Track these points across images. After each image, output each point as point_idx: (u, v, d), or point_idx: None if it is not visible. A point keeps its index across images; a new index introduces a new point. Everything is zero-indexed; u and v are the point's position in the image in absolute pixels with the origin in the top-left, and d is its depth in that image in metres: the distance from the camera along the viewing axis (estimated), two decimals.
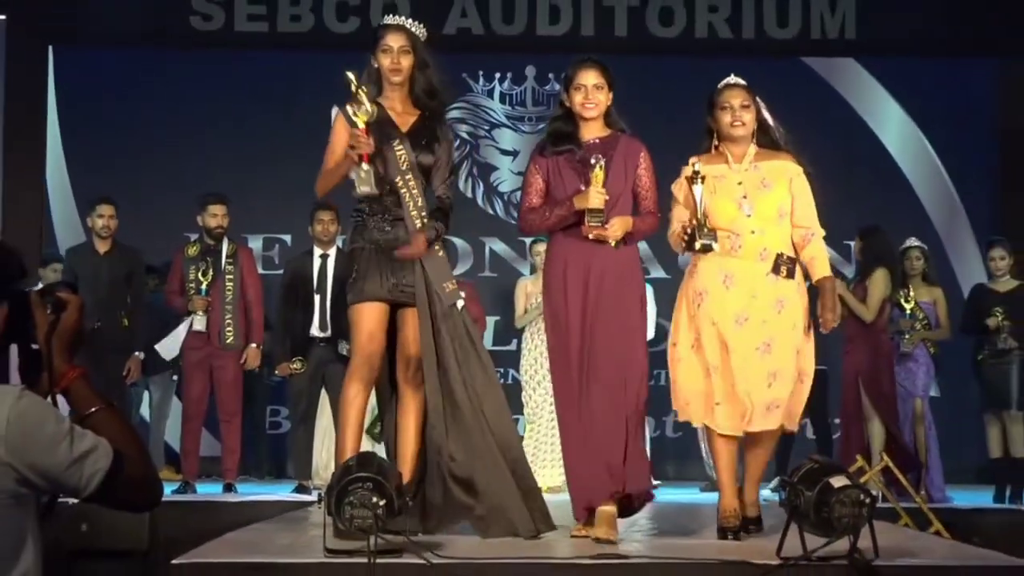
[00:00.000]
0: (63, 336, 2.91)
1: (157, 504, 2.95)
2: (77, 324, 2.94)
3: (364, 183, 5.72)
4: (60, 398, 2.92)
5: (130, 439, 2.89)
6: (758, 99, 6.03)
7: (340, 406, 5.87)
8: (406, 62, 5.90)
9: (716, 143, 6.04)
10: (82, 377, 2.93)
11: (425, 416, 5.89)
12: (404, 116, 5.92)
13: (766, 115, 6.04)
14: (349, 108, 5.74)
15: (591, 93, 5.97)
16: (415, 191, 5.82)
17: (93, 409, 2.90)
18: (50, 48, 12.76)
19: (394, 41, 5.91)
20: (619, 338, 5.78)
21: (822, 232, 5.99)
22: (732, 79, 6.08)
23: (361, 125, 5.68)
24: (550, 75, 12.87)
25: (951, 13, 12.78)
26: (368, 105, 5.69)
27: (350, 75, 5.75)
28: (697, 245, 5.75)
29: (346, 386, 5.81)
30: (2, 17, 12.62)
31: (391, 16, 6.09)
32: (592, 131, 6.01)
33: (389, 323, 5.87)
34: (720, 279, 5.82)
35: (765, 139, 6.00)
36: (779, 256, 5.82)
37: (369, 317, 5.79)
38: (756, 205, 5.83)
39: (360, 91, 5.71)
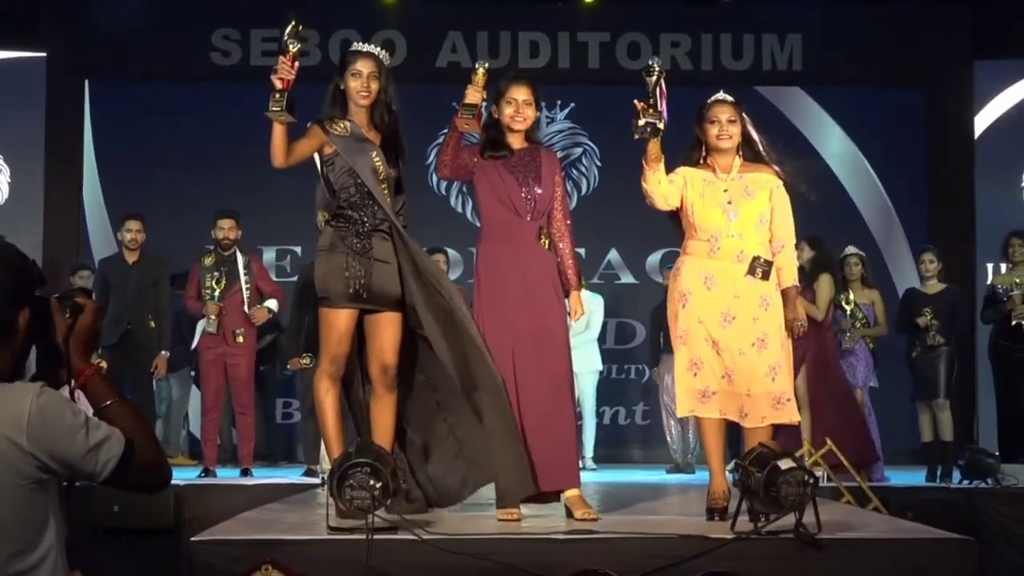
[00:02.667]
0: (80, 336, 2.92)
1: (166, 486, 2.93)
2: (93, 326, 2.93)
3: (276, 104, 5.56)
4: (79, 393, 2.91)
5: (141, 428, 2.88)
6: (744, 114, 5.91)
7: (316, 404, 5.67)
8: (374, 86, 5.74)
9: (704, 154, 5.92)
10: (98, 373, 2.93)
11: (398, 413, 5.71)
12: (371, 135, 5.76)
13: (751, 129, 5.91)
14: (285, 36, 5.57)
15: (521, 107, 5.84)
16: (388, 200, 5.63)
17: (108, 402, 2.91)
18: (86, 82, 12.75)
19: (364, 67, 5.77)
20: (553, 333, 5.64)
21: (793, 242, 5.88)
22: (721, 95, 5.93)
23: (290, 52, 5.54)
24: None
25: (886, 48, 12.82)
26: (300, 45, 5.59)
27: (293, 19, 5.62)
28: (641, 122, 5.54)
29: (317, 385, 5.62)
30: (44, 55, 12.64)
31: (360, 44, 5.96)
32: (517, 142, 5.86)
33: (358, 329, 5.67)
34: (701, 280, 5.68)
35: (750, 152, 5.87)
36: (755, 259, 5.67)
37: (340, 321, 5.58)
38: (739, 211, 5.71)
39: (299, 27, 5.59)
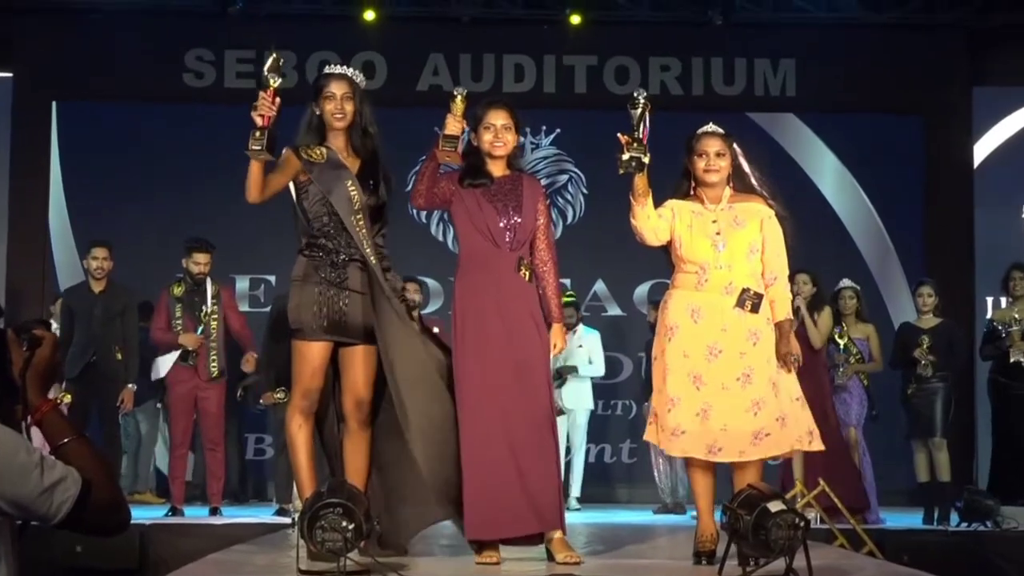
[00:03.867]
0: (37, 370, 2.88)
1: (124, 528, 2.89)
2: (51, 359, 2.89)
3: (256, 143, 5.52)
4: (34, 429, 2.87)
5: (99, 467, 2.84)
6: (735, 146, 5.90)
7: (288, 441, 5.64)
8: (349, 107, 5.72)
9: (692, 186, 5.90)
10: (54, 409, 2.89)
11: (373, 449, 5.66)
12: (349, 160, 5.72)
13: (742, 161, 5.90)
14: (265, 70, 5.54)
15: (500, 133, 5.79)
16: (364, 231, 5.59)
17: (65, 440, 2.86)
18: (53, 103, 12.72)
19: (337, 88, 5.74)
20: (534, 368, 5.59)
21: (786, 274, 5.87)
22: (710, 127, 5.92)
23: (271, 87, 5.49)
24: None
25: (882, 74, 12.87)
26: (280, 80, 5.53)
27: (273, 52, 5.60)
28: (625, 156, 5.53)
29: (289, 421, 5.59)
30: (9, 75, 12.65)
31: (332, 66, 5.92)
32: (498, 169, 5.80)
33: (332, 363, 5.66)
34: (688, 313, 5.66)
35: (740, 183, 5.86)
36: (744, 291, 5.65)
37: (314, 354, 5.57)
38: (728, 241, 5.69)
39: (280, 61, 5.57)
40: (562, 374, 11.13)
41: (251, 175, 5.63)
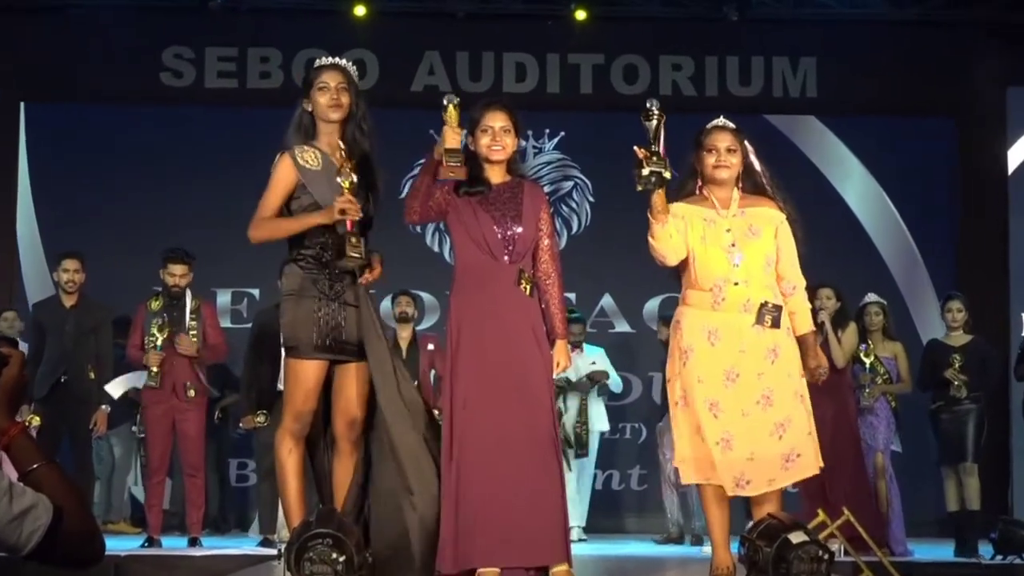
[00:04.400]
0: (4, 391, 2.86)
1: (99, 560, 2.88)
2: (18, 380, 2.88)
3: (355, 250, 5.40)
4: (1, 454, 2.86)
5: (71, 494, 2.83)
6: (746, 143, 5.90)
7: (277, 466, 5.56)
8: (345, 99, 5.67)
9: (699, 185, 5.89)
10: (23, 433, 2.87)
11: (365, 470, 5.61)
12: (342, 160, 5.64)
13: (753, 159, 5.91)
14: (338, 175, 5.48)
15: (498, 136, 5.75)
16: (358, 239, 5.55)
17: (35, 465, 2.85)
18: (21, 104, 12.72)
19: (332, 79, 5.68)
20: (536, 387, 5.57)
21: (803, 283, 5.87)
22: (720, 120, 5.93)
23: (346, 187, 5.43)
24: None
25: (911, 73, 12.84)
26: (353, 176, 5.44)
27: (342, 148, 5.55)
28: (645, 171, 5.51)
29: (278, 444, 5.53)
30: None
31: (324, 58, 5.84)
32: (496, 175, 5.78)
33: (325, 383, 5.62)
34: (704, 335, 5.65)
35: (749, 183, 5.86)
36: (763, 305, 5.64)
37: (309, 375, 5.50)
38: (744, 254, 5.69)
39: (349, 168, 5.47)
40: (595, 379, 11.07)
41: (286, 228, 5.62)
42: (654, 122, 5.53)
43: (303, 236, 5.58)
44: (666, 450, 10.48)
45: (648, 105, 5.56)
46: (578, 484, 10.97)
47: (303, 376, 5.51)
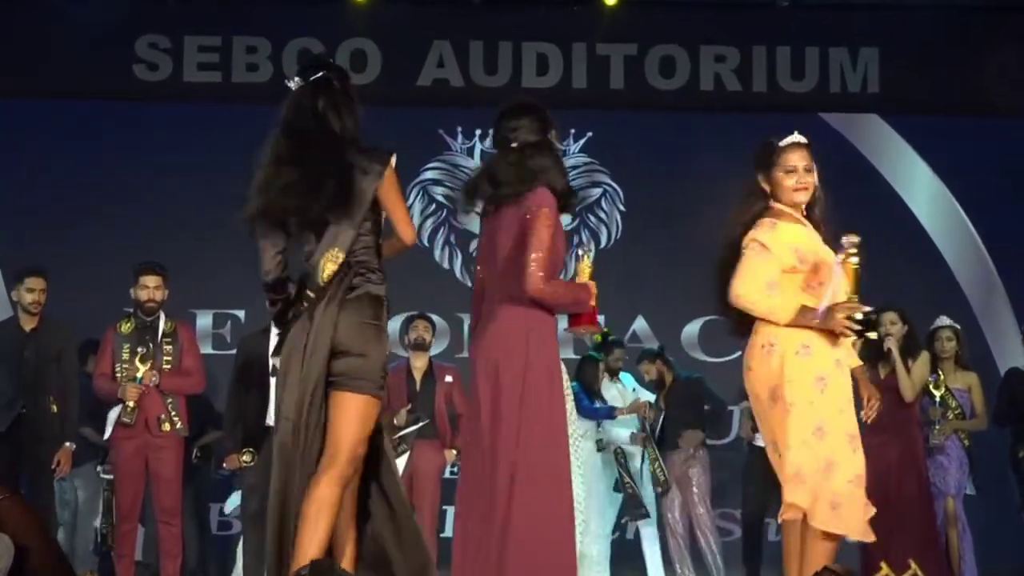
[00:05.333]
0: None
1: None
2: None
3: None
4: None
5: (35, 529, 2.84)
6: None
7: (312, 505, 5.29)
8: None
9: (767, 208, 6.00)
10: None
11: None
12: None
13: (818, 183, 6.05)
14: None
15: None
16: None
17: None
18: None
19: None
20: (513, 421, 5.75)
21: None
22: (796, 137, 6.04)
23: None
24: None
25: (985, 67, 12.80)
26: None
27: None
28: (874, 335, 5.94)
29: (331, 497, 5.29)
30: None
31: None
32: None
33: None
34: (834, 363, 5.86)
35: (814, 210, 6.05)
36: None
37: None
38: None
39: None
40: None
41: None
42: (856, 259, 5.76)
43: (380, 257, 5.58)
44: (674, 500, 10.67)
45: (852, 240, 5.78)
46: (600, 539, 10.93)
47: (376, 415, 5.49)
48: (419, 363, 10.68)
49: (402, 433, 10.17)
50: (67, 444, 9.64)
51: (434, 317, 11.35)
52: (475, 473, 5.78)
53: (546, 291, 5.67)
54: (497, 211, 5.89)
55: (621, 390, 11.01)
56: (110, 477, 10.18)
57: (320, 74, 5.65)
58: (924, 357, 9.63)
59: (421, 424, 10.30)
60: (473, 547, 5.75)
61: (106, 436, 9.79)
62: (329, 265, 5.40)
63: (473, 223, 12.90)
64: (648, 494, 11.01)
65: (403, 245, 5.59)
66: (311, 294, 5.43)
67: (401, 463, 10.35)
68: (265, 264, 5.59)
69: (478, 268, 6.01)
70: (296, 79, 5.70)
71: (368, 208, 5.46)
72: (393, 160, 5.54)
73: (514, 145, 5.98)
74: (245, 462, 9.38)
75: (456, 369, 10.96)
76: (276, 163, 5.60)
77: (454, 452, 10.68)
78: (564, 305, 5.82)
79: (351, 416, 5.32)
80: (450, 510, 12.15)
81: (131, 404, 9.42)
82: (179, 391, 9.69)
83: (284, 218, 5.53)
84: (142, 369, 9.48)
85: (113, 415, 9.65)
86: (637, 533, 11.46)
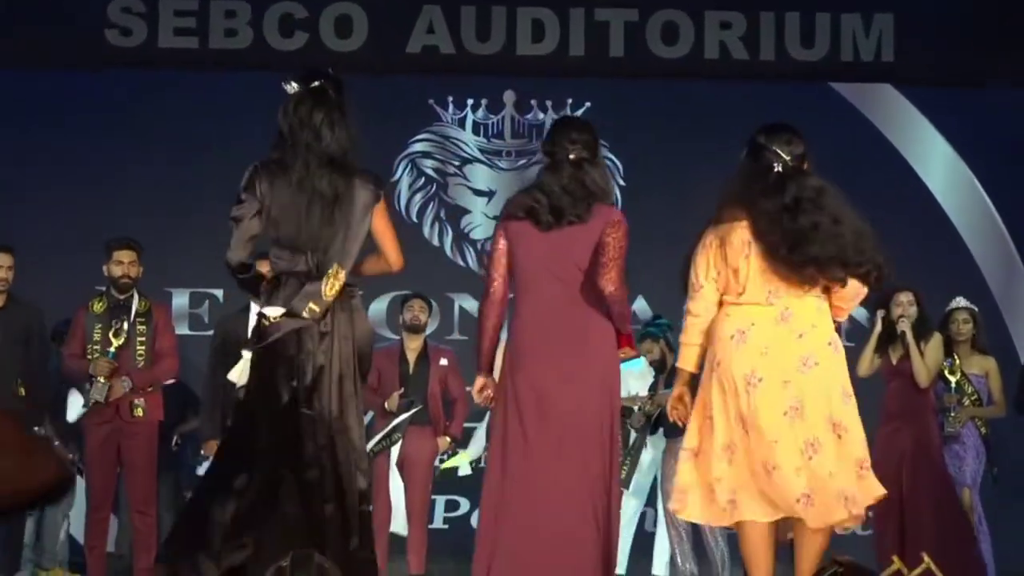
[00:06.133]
0: None
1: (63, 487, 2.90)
2: None
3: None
4: None
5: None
6: None
7: None
8: None
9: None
10: None
11: None
12: None
13: None
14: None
15: None
16: None
17: None
18: None
19: None
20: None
21: None
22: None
23: None
24: (532, 102, 12.86)
25: (1007, 35, 12.81)
26: None
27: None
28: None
29: None
30: None
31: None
32: None
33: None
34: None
35: None
36: None
37: None
38: None
39: None
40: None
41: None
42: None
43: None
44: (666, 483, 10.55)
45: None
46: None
47: None
48: (413, 344, 10.72)
49: (396, 422, 10.18)
50: (36, 429, 9.63)
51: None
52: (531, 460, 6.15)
53: (623, 297, 6.29)
54: (559, 225, 6.23)
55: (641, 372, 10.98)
56: (81, 466, 10.19)
57: (317, 83, 6.08)
58: (937, 340, 9.64)
59: (414, 411, 10.32)
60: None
61: (71, 418, 9.80)
62: (334, 283, 5.96)
63: (464, 197, 12.93)
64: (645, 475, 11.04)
65: (388, 270, 6.31)
66: (315, 308, 5.95)
67: (394, 450, 10.39)
68: (235, 250, 6.11)
69: (522, 276, 6.34)
70: (293, 84, 6.10)
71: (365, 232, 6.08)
72: (384, 188, 6.11)
73: (573, 158, 6.27)
74: None
75: (451, 351, 10.98)
76: (287, 184, 6.04)
77: (447, 439, 10.72)
78: (624, 316, 6.35)
79: None
80: (440, 499, 12.23)
81: (102, 379, 9.43)
82: (155, 383, 9.70)
83: (294, 244, 6.04)
84: (116, 343, 9.48)
85: (75, 397, 9.65)
86: (655, 523, 11.47)
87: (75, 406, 9.75)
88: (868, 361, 9.72)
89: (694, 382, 6.22)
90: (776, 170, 6.03)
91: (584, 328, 6.21)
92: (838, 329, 6.17)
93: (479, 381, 6.38)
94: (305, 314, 5.92)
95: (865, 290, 6.06)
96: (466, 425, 11.26)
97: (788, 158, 6.05)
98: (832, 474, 5.89)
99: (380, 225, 6.11)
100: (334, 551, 5.74)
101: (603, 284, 6.15)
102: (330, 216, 5.97)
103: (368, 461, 6.34)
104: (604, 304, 6.19)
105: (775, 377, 5.90)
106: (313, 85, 6.07)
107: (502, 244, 6.30)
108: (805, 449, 5.86)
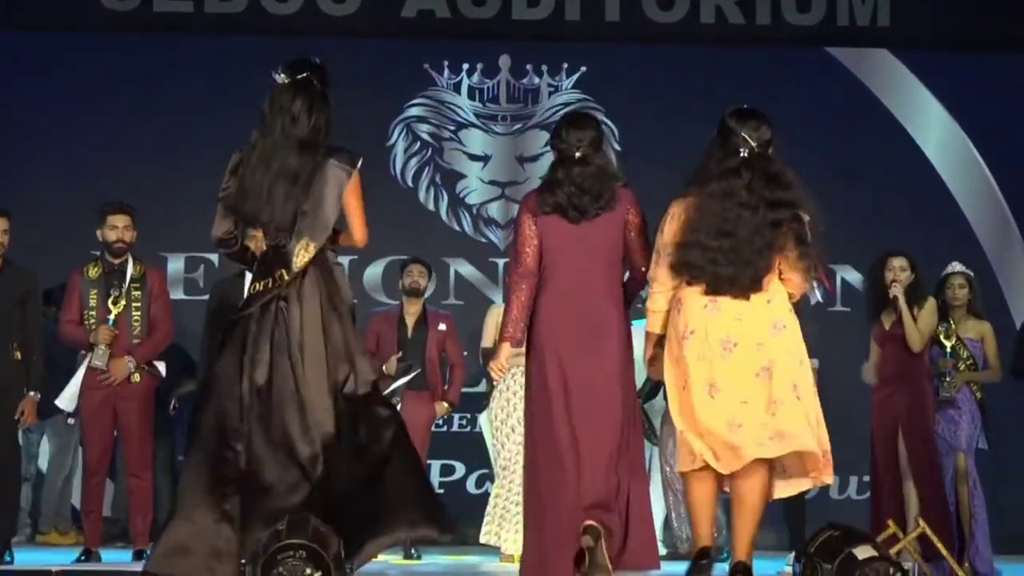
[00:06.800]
0: None
1: None
2: None
3: None
4: None
5: None
6: None
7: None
8: None
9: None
10: None
11: None
12: None
13: None
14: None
15: None
16: None
17: None
18: None
19: None
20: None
21: None
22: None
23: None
24: (527, 67, 12.83)
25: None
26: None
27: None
28: None
29: None
30: None
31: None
32: None
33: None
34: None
35: None
36: None
37: None
38: None
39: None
40: None
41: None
42: None
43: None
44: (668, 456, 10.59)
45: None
46: None
47: None
48: (413, 309, 10.73)
49: (394, 386, 10.18)
50: (31, 394, 9.56)
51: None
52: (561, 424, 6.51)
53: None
54: (587, 218, 6.60)
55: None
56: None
57: (304, 75, 6.43)
58: (931, 304, 9.62)
59: (413, 375, 10.33)
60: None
61: (72, 403, 9.77)
62: (303, 254, 6.27)
63: (459, 162, 12.92)
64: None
65: (355, 244, 6.53)
66: (285, 275, 6.28)
67: None
68: (215, 226, 6.62)
69: (552, 262, 6.64)
70: (282, 75, 6.45)
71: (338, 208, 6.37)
72: (359, 163, 6.36)
73: (579, 155, 6.64)
74: None
75: (450, 316, 10.99)
76: (255, 164, 6.37)
77: (445, 405, 10.75)
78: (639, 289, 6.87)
79: None
80: (436, 464, 12.25)
81: (103, 347, 9.43)
82: (154, 354, 9.71)
83: (257, 220, 6.44)
84: (115, 311, 9.47)
85: (80, 372, 9.62)
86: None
87: (67, 396, 9.73)
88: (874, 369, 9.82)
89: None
90: (742, 155, 6.28)
91: (608, 309, 6.58)
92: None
93: (504, 350, 6.67)
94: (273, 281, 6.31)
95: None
96: (464, 390, 11.29)
97: (755, 144, 6.28)
98: (790, 428, 6.14)
99: (350, 201, 6.35)
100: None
101: (641, 262, 6.60)
102: (292, 193, 6.28)
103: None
104: (620, 285, 6.64)
105: (750, 340, 6.19)
106: (299, 76, 6.41)
107: (533, 229, 6.62)
108: (768, 406, 6.15)
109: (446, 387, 10.79)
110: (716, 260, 6.19)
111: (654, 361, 6.48)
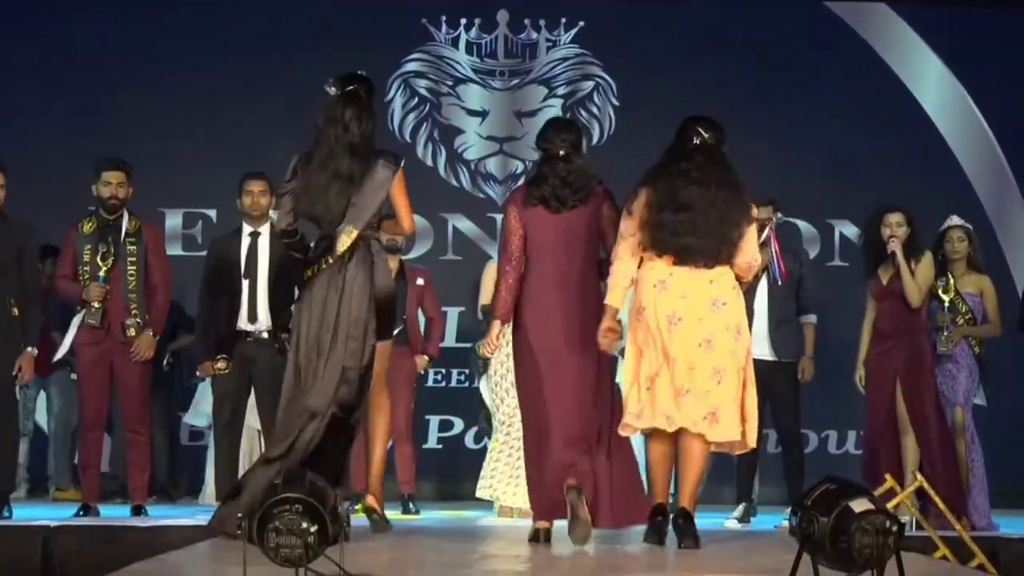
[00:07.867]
0: None
1: None
2: None
3: None
4: None
5: None
6: None
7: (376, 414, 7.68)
8: None
9: None
10: None
11: None
12: None
13: None
14: None
15: None
16: None
17: None
18: None
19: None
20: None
21: None
22: None
23: None
24: (526, 21, 12.81)
25: None
26: None
27: None
28: None
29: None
30: None
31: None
32: None
33: None
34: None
35: None
36: None
37: None
38: None
39: None
40: None
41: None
42: None
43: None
44: None
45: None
46: None
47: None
48: (390, 265, 10.70)
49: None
50: (29, 349, 9.55)
51: (417, 217, 11.34)
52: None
53: None
54: (566, 209, 7.38)
55: None
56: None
57: (352, 87, 7.43)
58: (928, 258, 9.61)
59: (396, 331, 10.33)
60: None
61: (63, 350, 9.79)
62: (345, 239, 7.28)
63: (457, 117, 12.91)
64: None
65: (403, 232, 8.31)
66: (330, 260, 7.30)
67: None
68: (278, 221, 7.67)
69: (536, 248, 7.42)
70: (332, 88, 7.43)
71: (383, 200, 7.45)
72: (403, 163, 7.54)
73: (563, 154, 7.40)
74: (219, 369, 9.39)
75: (427, 271, 10.98)
76: (314, 167, 7.39)
77: (426, 358, 10.81)
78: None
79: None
80: (434, 419, 12.27)
81: (96, 305, 9.42)
82: (161, 320, 9.78)
83: (314, 214, 7.41)
84: (104, 268, 9.46)
85: (74, 323, 9.62)
86: None
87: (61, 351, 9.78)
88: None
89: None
90: (694, 141, 7.13)
91: (586, 289, 7.37)
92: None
93: (495, 328, 7.54)
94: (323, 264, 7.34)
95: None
96: (461, 345, 11.28)
97: (707, 135, 7.13)
98: (734, 398, 7.01)
99: (396, 196, 7.48)
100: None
101: (613, 247, 7.26)
102: (345, 191, 7.29)
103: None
104: (596, 265, 7.41)
105: (692, 315, 6.96)
106: (348, 89, 7.40)
107: (518, 220, 7.41)
108: (713, 374, 6.96)
109: (425, 342, 10.85)
110: (677, 232, 6.95)
111: (608, 333, 7.13)
